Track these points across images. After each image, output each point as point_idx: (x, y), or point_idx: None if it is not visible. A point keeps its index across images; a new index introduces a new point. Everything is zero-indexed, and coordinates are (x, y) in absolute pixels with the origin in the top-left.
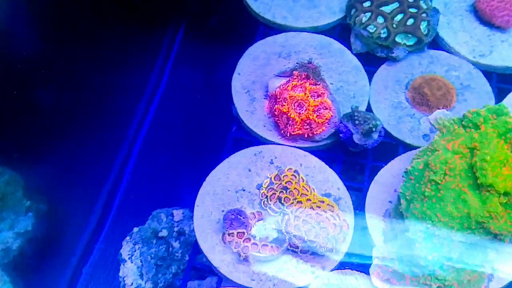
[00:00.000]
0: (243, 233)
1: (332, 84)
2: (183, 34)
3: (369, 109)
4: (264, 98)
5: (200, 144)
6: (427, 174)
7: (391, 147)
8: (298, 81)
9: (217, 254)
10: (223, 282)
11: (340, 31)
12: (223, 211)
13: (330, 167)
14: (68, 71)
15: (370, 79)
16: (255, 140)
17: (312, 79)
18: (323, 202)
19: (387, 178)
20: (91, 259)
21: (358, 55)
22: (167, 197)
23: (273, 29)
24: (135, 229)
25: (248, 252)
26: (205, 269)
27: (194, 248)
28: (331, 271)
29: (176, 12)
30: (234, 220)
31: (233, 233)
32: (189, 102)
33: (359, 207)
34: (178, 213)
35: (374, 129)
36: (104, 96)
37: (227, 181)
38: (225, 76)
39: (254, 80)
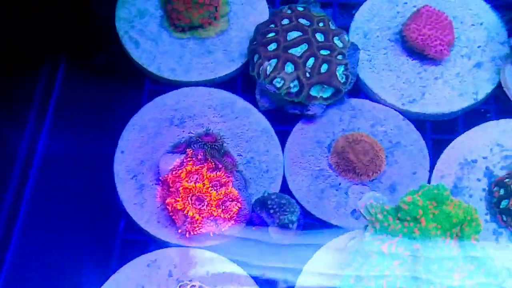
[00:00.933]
0: None
1: (241, 156)
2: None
3: (284, 183)
4: (156, 184)
5: (82, 248)
6: None
7: (314, 228)
8: (193, 166)
9: None
10: None
11: (243, 82)
12: None
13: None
14: None
15: (283, 143)
16: (150, 240)
17: (210, 161)
18: None
19: (311, 277)
20: None
21: (267, 113)
22: None
23: (162, 84)
24: None
25: None
26: None
27: None
28: None
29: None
30: None
31: None
32: (66, 184)
33: None
34: None
35: (291, 225)
36: None
37: None
38: (108, 151)
39: (142, 159)
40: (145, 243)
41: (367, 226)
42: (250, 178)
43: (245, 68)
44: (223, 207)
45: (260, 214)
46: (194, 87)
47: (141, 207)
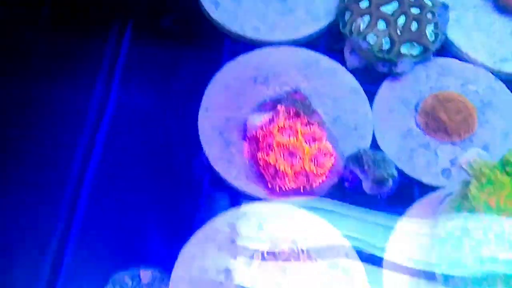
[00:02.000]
0: None
1: (327, 114)
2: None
3: (373, 141)
4: (243, 139)
5: (167, 189)
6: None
7: (404, 188)
8: (285, 121)
9: None
10: None
11: (328, 42)
12: None
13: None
14: None
15: (370, 103)
16: (236, 196)
17: (303, 117)
18: None
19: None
20: None
21: (354, 72)
22: (129, 253)
23: (243, 43)
24: None
25: None
26: None
27: None
28: None
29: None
30: None
31: None
32: (145, 131)
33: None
34: (146, 274)
35: (387, 181)
36: (35, 124)
37: (204, 261)
38: (190, 108)
39: (227, 117)
40: (231, 198)
41: (467, 182)
42: (337, 135)
43: (329, 27)
44: (316, 162)
45: (353, 170)
46: (277, 46)
47: (228, 162)
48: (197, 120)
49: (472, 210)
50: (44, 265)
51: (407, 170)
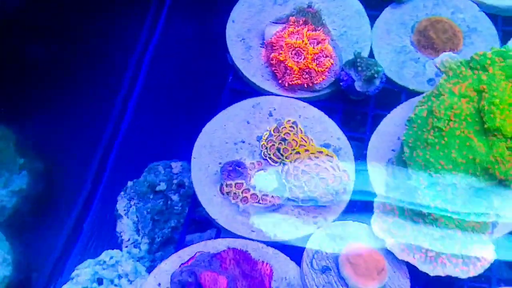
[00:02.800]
0: (242, 184)
1: (335, 29)
2: None
3: (371, 55)
4: (261, 46)
5: (196, 95)
6: (430, 121)
7: (393, 94)
8: (295, 27)
9: (215, 206)
10: (222, 233)
11: None
12: (220, 163)
13: (330, 117)
14: (56, 21)
15: (372, 25)
16: (253, 90)
17: (311, 25)
18: (321, 152)
19: (389, 127)
20: (89, 216)
21: None
22: (164, 149)
23: None
24: (130, 183)
25: (248, 203)
26: (205, 222)
27: (193, 201)
28: (333, 221)
29: None
30: (232, 172)
31: (231, 184)
32: (183, 52)
33: (360, 157)
34: (176, 165)
35: (376, 75)
36: (95, 47)
37: (224, 133)
38: (219, 25)
39: (249, 28)
40: (249, 92)
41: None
42: (341, 47)
43: None
44: (318, 62)
45: (348, 72)
46: None
47: (248, 62)
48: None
49: (438, 95)
50: (96, 155)
51: (397, 79)
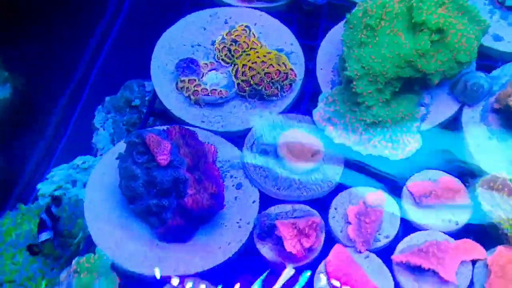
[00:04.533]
0: (194, 80)
1: None
2: None
3: None
4: None
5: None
6: (364, 21)
7: (344, 9)
8: None
9: (171, 100)
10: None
11: None
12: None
13: (286, 26)
14: None
15: None
16: (211, 2)
17: None
18: (270, 53)
19: (338, 36)
20: (68, 129)
21: None
22: (137, 69)
23: None
24: (107, 98)
25: (198, 96)
26: (161, 114)
27: (153, 97)
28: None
29: None
30: (186, 68)
31: (184, 80)
32: None
33: (310, 62)
34: (149, 84)
35: None
36: None
37: (182, 37)
38: None
39: None
40: (208, 4)
41: None
42: None
43: None
44: None
45: None
46: None
47: None
48: None
49: None
50: (76, 73)
51: None
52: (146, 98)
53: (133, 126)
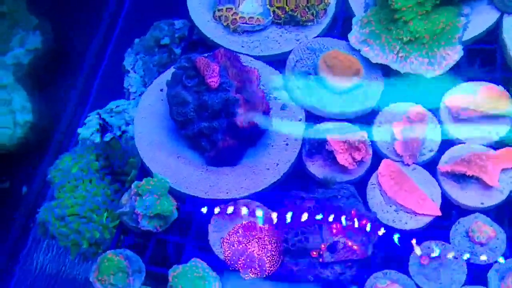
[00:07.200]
0: (231, 8)
1: None
2: None
3: None
4: None
5: None
6: None
7: None
8: None
9: (210, 29)
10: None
11: None
12: None
13: None
14: None
15: None
16: None
17: None
18: None
19: None
20: (99, 74)
21: None
22: (166, 9)
23: None
24: (137, 40)
25: (236, 24)
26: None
27: (190, 29)
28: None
29: None
30: None
31: (222, 9)
32: None
33: None
34: (178, 23)
35: None
36: None
37: None
38: None
39: None
40: None
41: None
42: None
43: None
44: None
45: None
46: None
47: None
48: None
49: None
50: (104, 17)
51: None
52: (176, 36)
53: (163, 67)
